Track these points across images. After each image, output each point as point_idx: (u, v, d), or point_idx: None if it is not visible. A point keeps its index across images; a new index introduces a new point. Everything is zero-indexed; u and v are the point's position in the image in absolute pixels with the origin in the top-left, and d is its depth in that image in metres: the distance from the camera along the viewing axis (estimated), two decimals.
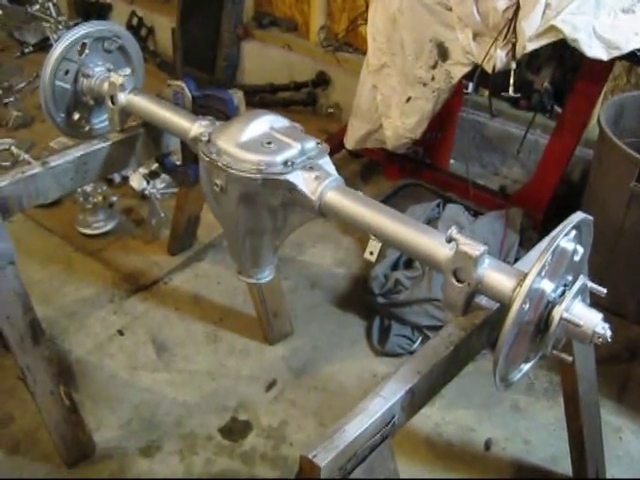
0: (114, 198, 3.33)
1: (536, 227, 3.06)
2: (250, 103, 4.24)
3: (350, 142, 3.40)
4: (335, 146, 3.53)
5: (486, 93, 3.06)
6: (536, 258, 1.30)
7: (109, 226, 3.33)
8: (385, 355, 2.75)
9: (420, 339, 2.75)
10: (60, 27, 4.51)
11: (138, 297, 3.01)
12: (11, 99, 4.31)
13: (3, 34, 5.21)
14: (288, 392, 2.62)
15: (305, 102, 4.38)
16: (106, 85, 2.23)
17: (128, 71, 2.27)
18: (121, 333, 2.83)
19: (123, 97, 2.21)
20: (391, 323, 2.78)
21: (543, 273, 1.32)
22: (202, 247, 3.28)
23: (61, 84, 2.25)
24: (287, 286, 2.99)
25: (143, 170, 3.44)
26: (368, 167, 3.85)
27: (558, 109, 3.11)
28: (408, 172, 3.55)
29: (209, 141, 1.83)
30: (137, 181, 3.41)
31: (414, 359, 1.44)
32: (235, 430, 2.48)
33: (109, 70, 2.29)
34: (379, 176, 3.79)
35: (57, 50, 2.19)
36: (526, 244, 2.95)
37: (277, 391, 2.62)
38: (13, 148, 3.58)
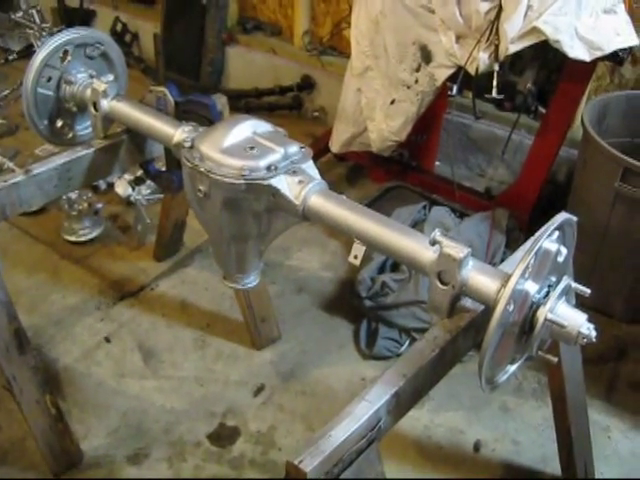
0: (99, 205, 3.32)
1: (522, 228, 3.07)
2: (235, 108, 4.27)
3: (335, 145, 3.40)
4: (320, 150, 3.53)
5: (470, 95, 3.06)
6: (520, 259, 1.30)
7: (95, 233, 3.32)
8: (373, 358, 2.74)
9: (408, 342, 2.75)
10: (44, 34, 4.46)
11: (125, 304, 3.00)
12: None
13: None
14: (276, 397, 2.61)
15: (290, 106, 4.38)
16: (89, 92, 2.22)
17: (111, 77, 2.26)
18: (108, 340, 2.82)
19: (106, 103, 2.20)
20: (378, 326, 2.78)
21: (527, 274, 1.32)
22: (189, 253, 3.27)
23: (43, 91, 2.24)
24: (274, 291, 2.98)
25: (128, 176, 3.42)
26: (354, 170, 3.85)
27: (542, 110, 3.11)
28: (394, 175, 3.54)
29: (192, 147, 1.82)
30: (122, 188, 3.40)
31: (399, 362, 1.44)
32: (223, 436, 2.47)
33: (92, 77, 2.27)
34: (365, 179, 3.78)
35: (39, 57, 2.18)
36: (512, 245, 2.95)
37: (265, 396, 2.61)
38: None
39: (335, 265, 3.22)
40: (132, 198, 3.35)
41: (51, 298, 3.01)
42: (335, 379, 2.68)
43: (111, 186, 3.52)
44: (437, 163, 3.70)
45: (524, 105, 2.93)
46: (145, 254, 3.25)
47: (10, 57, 4.93)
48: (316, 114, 4.35)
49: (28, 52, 4.80)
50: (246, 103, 4.36)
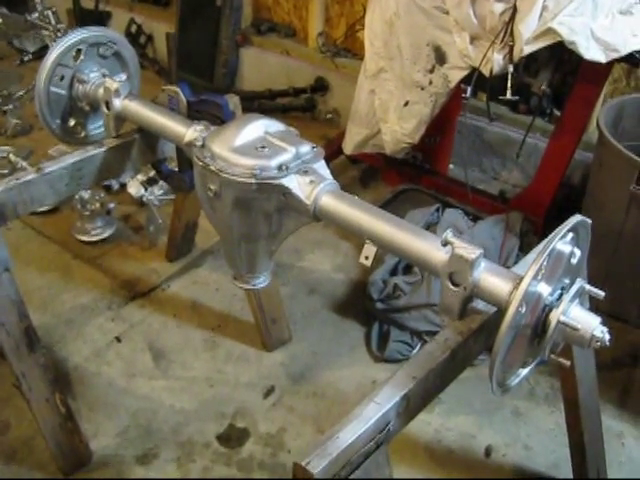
0: (111, 205, 3.32)
1: (536, 231, 3.04)
2: (249, 109, 4.23)
3: (348, 147, 3.38)
4: (334, 152, 3.53)
5: (484, 97, 3.05)
6: (533, 261, 1.28)
7: (107, 233, 3.32)
8: (384, 361, 2.72)
9: (419, 345, 2.73)
10: (59, 35, 4.47)
11: (136, 304, 2.99)
12: (10, 107, 4.30)
13: (2, 42, 5.21)
14: (286, 399, 2.60)
15: (304, 108, 4.38)
16: (101, 91, 2.22)
17: (124, 77, 2.26)
18: (119, 340, 2.81)
19: (118, 103, 2.20)
20: (390, 329, 2.76)
21: (539, 276, 1.30)
22: (200, 253, 3.27)
23: (56, 90, 2.24)
24: (285, 292, 2.97)
25: (141, 177, 3.43)
26: (367, 173, 3.83)
27: (557, 112, 3.09)
28: (407, 177, 3.53)
29: (203, 146, 1.82)
30: (135, 188, 3.40)
31: (410, 364, 1.42)
32: (233, 437, 2.45)
33: (104, 76, 2.28)
34: (378, 182, 3.77)
35: (52, 56, 2.18)
36: (526, 248, 2.93)
37: (275, 398, 2.60)
38: (11, 156, 3.56)
39: (347, 267, 3.20)
40: (144, 199, 3.35)
41: (62, 297, 3.01)
42: (346, 382, 2.66)
43: (124, 186, 3.54)
44: (451, 166, 3.68)
45: (539, 107, 2.91)
46: (157, 254, 3.25)
47: (25, 58, 4.96)
48: (329, 116, 4.34)
49: (43, 53, 4.78)
50: (259, 104, 4.35)
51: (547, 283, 1.35)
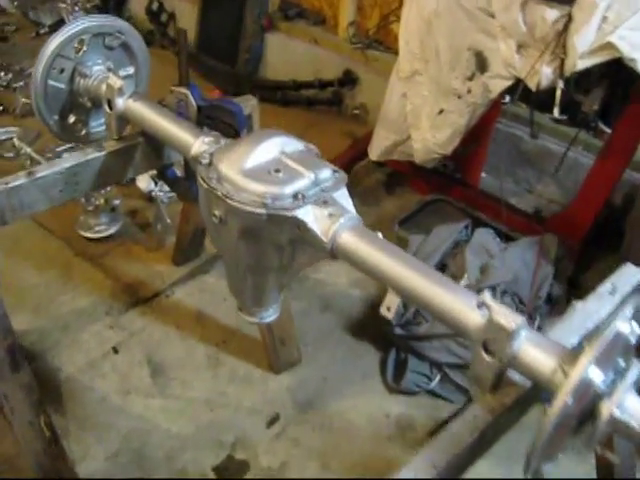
0: (116, 201, 3.12)
1: (572, 256, 2.80)
2: (272, 100, 4.05)
3: (375, 152, 3.13)
4: (359, 153, 3.29)
5: (524, 105, 2.80)
6: (579, 327, 1.09)
7: (112, 230, 3.14)
8: (400, 393, 2.52)
9: (439, 377, 2.52)
10: (76, 9, 4.29)
11: (137, 311, 2.82)
12: (20, 84, 4.12)
13: (18, 13, 5.01)
14: (291, 429, 2.41)
15: (330, 101, 4.13)
16: (104, 87, 2.00)
17: (131, 70, 2.06)
18: (116, 351, 2.64)
19: (121, 102, 1.98)
20: (408, 357, 2.55)
21: (592, 360, 1.09)
22: (209, 258, 3.07)
23: (55, 84, 2.05)
24: (298, 307, 2.76)
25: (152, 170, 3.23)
26: (393, 177, 3.59)
27: (603, 127, 2.83)
28: (436, 186, 3.29)
29: (210, 164, 1.60)
30: (144, 182, 3.21)
31: (431, 447, 1.22)
32: (231, 470, 2.29)
33: (109, 69, 2.07)
34: (404, 188, 3.52)
35: (50, 46, 1.99)
36: (561, 276, 2.70)
37: (279, 427, 2.41)
38: (15, 140, 3.37)
39: (365, 282, 2.97)
40: (154, 194, 3.15)
41: (60, 299, 2.84)
42: (357, 413, 2.46)
43: (133, 178, 3.32)
44: (483, 174, 3.43)
45: (585, 121, 2.65)
46: (163, 256, 3.06)
47: (41, 31, 4.77)
48: (356, 112, 4.10)
49: (60, 26, 4.62)
50: (283, 95, 4.12)
51: (600, 367, 1.13)
